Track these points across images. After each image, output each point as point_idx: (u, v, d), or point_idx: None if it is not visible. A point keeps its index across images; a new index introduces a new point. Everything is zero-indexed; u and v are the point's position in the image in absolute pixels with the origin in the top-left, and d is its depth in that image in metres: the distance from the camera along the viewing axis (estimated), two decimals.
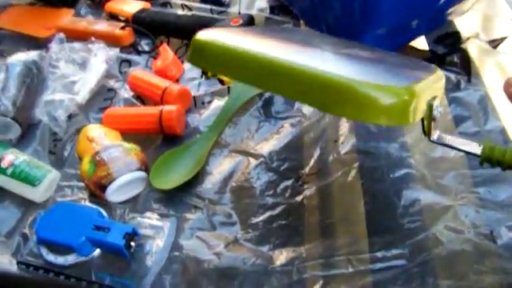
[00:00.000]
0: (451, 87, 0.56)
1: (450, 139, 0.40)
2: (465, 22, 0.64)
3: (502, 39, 0.61)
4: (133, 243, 0.43)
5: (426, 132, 0.38)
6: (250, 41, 0.39)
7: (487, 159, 0.38)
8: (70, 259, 0.43)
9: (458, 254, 0.41)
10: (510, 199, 0.45)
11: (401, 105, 0.32)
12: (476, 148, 0.39)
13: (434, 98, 0.37)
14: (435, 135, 0.39)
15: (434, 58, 0.60)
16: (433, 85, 0.37)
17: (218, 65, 0.38)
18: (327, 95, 0.32)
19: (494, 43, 0.61)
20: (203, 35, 0.40)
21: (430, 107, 0.36)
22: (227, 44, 0.38)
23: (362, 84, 0.32)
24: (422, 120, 0.38)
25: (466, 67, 0.58)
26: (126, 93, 0.61)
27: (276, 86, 0.35)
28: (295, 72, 0.34)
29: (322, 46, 0.42)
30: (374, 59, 0.41)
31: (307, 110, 0.56)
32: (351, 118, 0.33)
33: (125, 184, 0.48)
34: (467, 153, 0.39)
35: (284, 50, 0.37)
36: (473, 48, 0.61)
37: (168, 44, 0.67)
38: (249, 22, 0.66)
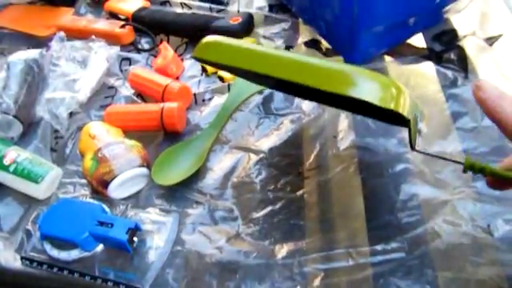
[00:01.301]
0: (448, 84, 0.57)
1: (432, 152, 0.41)
2: (461, 19, 0.65)
3: (498, 37, 0.62)
4: (135, 238, 0.44)
5: (412, 142, 0.39)
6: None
7: (470, 167, 0.38)
8: (74, 254, 0.44)
9: (456, 246, 0.42)
10: (507, 193, 0.45)
11: (389, 95, 0.34)
12: (458, 159, 0.39)
13: (418, 113, 0.38)
14: (418, 147, 0.40)
15: (432, 55, 0.61)
16: (414, 106, 0.39)
17: (228, 55, 0.39)
18: (328, 79, 0.35)
19: (491, 41, 0.62)
20: (211, 37, 0.41)
21: (415, 119, 0.37)
22: (233, 40, 0.40)
23: (358, 71, 0.34)
24: (409, 133, 0.38)
25: (463, 64, 0.59)
26: (126, 90, 0.61)
27: (282, 70, 0.36)
28: (300, 62, 0.36)
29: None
30: None
31: (307, 106, 0.57)
32: (351, 96, 0.35)
33: (127, 180, 0.48)
34: (450, 160, 0.40)
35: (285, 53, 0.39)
36: (469, 45, 0.61)
37: (168, 42, 0.67)
38: (248, 20, 0.67)
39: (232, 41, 0.40)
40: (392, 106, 0.34)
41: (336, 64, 0.36)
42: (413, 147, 0.39)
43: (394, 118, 0.38)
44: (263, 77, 0.39)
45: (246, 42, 0.41)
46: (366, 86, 0.34)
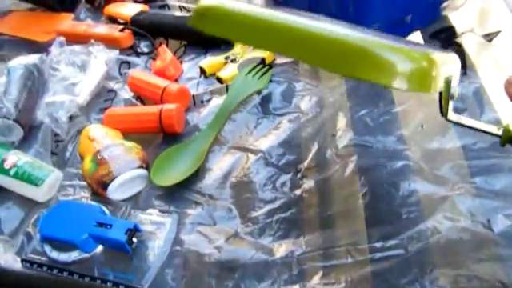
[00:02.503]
0: None
1: (467, 120, 0.38)
2: (460, 16, 0.65)
3: (497, 33, 0.62)
4: (135, 239, 0.44)
5: (444, 110, 0.36)
6: (256, 8, 0.38)
7: (509, 139, 0.36)
8: (73, 256, 0.44)
9: (456, 242, 0.42)
10: (506, 188, 0.45)
11: (419, 70, 0.30)
12: (494, 129, 0.37)
13: (451, 76, 0.35)
14: (452, 115, 0.37)
15: None
16: (449, 63, 0.35)
17: (225, 25, 0.36)
18: (342, 57, 0.31)
19: (489, 37, 0.62)
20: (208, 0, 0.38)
21: (448, 83, 0.34)
22: (237, 6, 0.37)
23: (380, 45, 0.31)
24: (440, 98, 0.36)
25: (462, 61, 0.58)
26: (126, 93, 0.61)
27: (285, 46, 0.33)
28: (307, 32, 0.32)
29: (331, 22, 0.40)
30: (386, 36, 0.39)
31: (305, 105, 0.57)
32: (370, 81, 0.31)
33: (126, 182, 0.48)
34: (487, 133, 0.38)
35: (293, 17, 0.35)
36: (468, 42, 0.61)
37: (167, 45, 0.68)
38: None
39: (233, 7, 0.36)
40: (424, 90, 0.30)
41: (355, 37, 0.31)
42: (445, 116, 0.36)
43: None
44: None
45: (249, 7, 0.37)
46: (391, 68, 0.29)
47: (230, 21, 0.36)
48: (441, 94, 0.35)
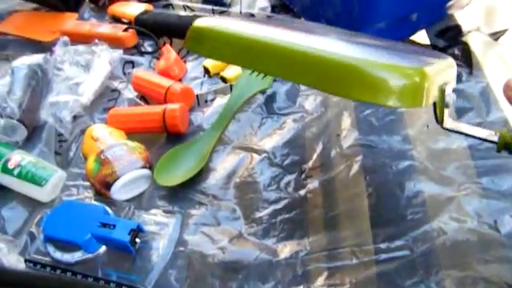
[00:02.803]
0: None
1: (463, 127, 0.38)
2: (466, 15, 0.64)
3: (504, 31, 0.61)
4: (138, 239, 0.44)
5: (439, 119, 0.37)
6: (250, 26, 0.38)
7: (505, 145, 0.36)
8: (77, 256, 0.44)
9: (462, 243, 0.42)
10: None
11: (411, 86, 0.30)
12: (491, 135, 0.37)
13: (446, 83, 0.35)
14: (448, 122, 0.37)
15: None
16: (444, 70, 0.36)
17: (218, 49, 0.36)
18: (333, 77, 0.31)
19: (496, 35, 0.61)
20: (202, 21, 0.38)
21: (442, 92, 0.35)
22: (227, 28, 0.37)
23: (371, 64, 0.30)
24: (435, 106, 0.36)
25: (468, 60, 0.58)
26: (129, 93, 0.61)
27: (277, 68, 0.34)
28: (299, 54, 0.32)
29: (326, 34, 0.41)
30: (382, 46, 0.39)
31: (309, 105, 0.56)
32: (361, 101, 0.31)
33: (129, 182, 0.48)
34: (483, 140, 0.38)
35: (286, 35, 0.36)
36: (474, 41, 0.61)
37: (171, 45, 0.67)
38: None
39: (227, 29, 0.36)
40: (415, 105, 0.31)
41: (346, 57, 0.31)
42: (441, 124, 0.36)
43: None
44: None
45: (244, 28, 0.37)
46: (384, 87, 0.30)
47: (223, 45, 0.36)
48: (435, 103, 0.35)
